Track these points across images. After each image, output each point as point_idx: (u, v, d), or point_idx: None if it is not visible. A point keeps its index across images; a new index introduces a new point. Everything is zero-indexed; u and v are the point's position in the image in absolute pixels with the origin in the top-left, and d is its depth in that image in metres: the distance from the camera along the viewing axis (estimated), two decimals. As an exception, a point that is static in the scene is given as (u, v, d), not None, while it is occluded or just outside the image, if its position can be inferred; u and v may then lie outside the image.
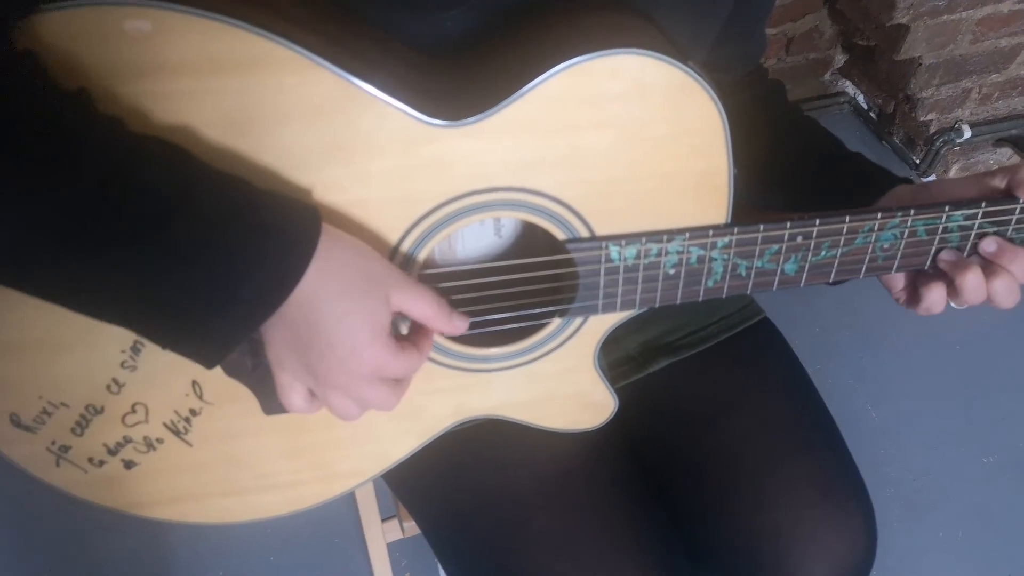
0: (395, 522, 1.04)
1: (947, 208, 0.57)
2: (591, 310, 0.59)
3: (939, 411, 1.53)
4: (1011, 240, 0.59)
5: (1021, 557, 1.35)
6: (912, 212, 0.57)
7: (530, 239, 0.62)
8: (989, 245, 0.58)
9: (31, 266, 0.41)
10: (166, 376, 0.55)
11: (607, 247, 0.55)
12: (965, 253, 0.60)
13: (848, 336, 1.61)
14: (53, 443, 0.56)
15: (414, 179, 0.50)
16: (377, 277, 0.49)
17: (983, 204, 0.57)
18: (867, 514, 0.69)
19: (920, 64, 1.64)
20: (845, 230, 0.57)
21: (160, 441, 0.58)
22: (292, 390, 0.51)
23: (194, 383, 0.56)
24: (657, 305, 0.59)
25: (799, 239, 0.57)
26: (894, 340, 1.60)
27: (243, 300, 0.44)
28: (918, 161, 1.87)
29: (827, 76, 1.96)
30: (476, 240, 0.64)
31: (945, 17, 1.54)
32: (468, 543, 0.67)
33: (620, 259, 0.56)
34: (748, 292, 0.60)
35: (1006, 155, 1.89)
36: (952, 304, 0.61)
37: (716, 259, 0.57)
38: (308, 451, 0.61)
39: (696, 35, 0.60)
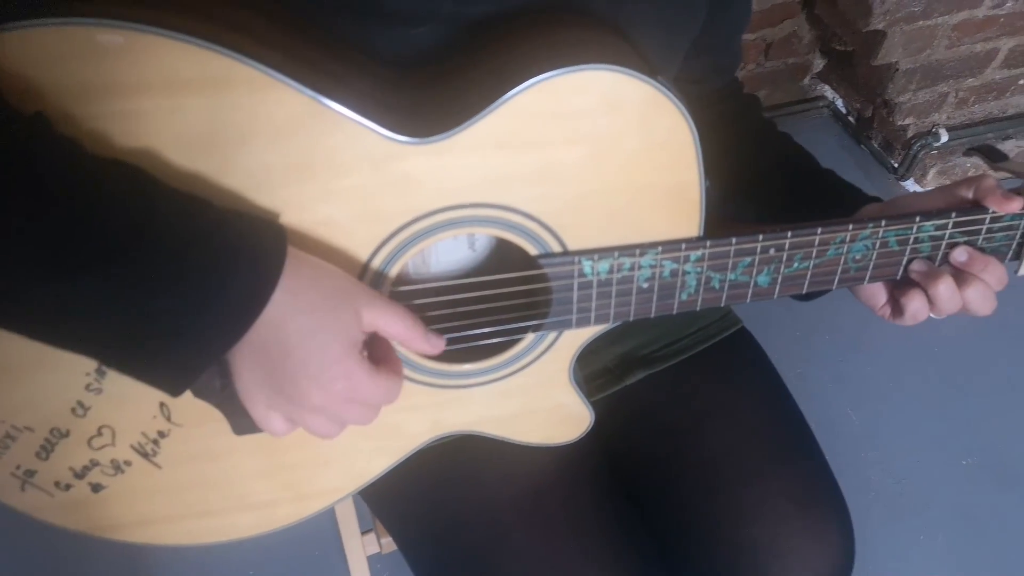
0: (374, 535, 1.03)
1: (918, 219, 0.58)
2: (565, 325, 0.58)
3: (919, 414, 1.54)
4: (982, 249, 0.60)
5: (1001, 559, 1.36)
6: (883, 223, 0.57)
7: (505, 252, 0.62)
8: (960, 255, 0.59)
9: None
10: (133, 398, 0.54)
11: (580, 262, 0.55)
12: (936, 263, 0.60)
13: (828, 340, 1.62)
14: (18, 468, 0.55)
15: (383, 197, 0.50)
16: (347, 294, 0.48)
17: (953, 214, 0.58)
18: (844, 524, 0.69)
19: (897, 69, 1.66)
20: (817, 242, 0.57)
21: (128, 464, 0.57)
22: (268, 419, 0.50)
23: (162, 405, 0.55)
24: (631, 319, 0.59)
25: (771, 251, 0.57)
26: (874, 344, 1.61)
27: (208, 326, 0.43)
28: (896, 165, 1.89)
29: (806, 81, 1.97)
30: (450, 254, 0.63)
31: (921, 23, 1.56)
32: (445, 561, 0.67)
33: (593, 273, 0.56)
34: (722, 304, 0.60)
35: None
36: (931, 315, 0.61)
37: (689, 272, 0.57)
38: (281, 471, 0.60)
39: (668, 48, 0.60)
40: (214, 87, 0.44)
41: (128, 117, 0.44)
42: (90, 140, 0.43)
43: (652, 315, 0.59)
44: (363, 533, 1.04)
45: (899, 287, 0.61)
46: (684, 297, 0.58)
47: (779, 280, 0.59)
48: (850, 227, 0.57)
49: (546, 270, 0.55)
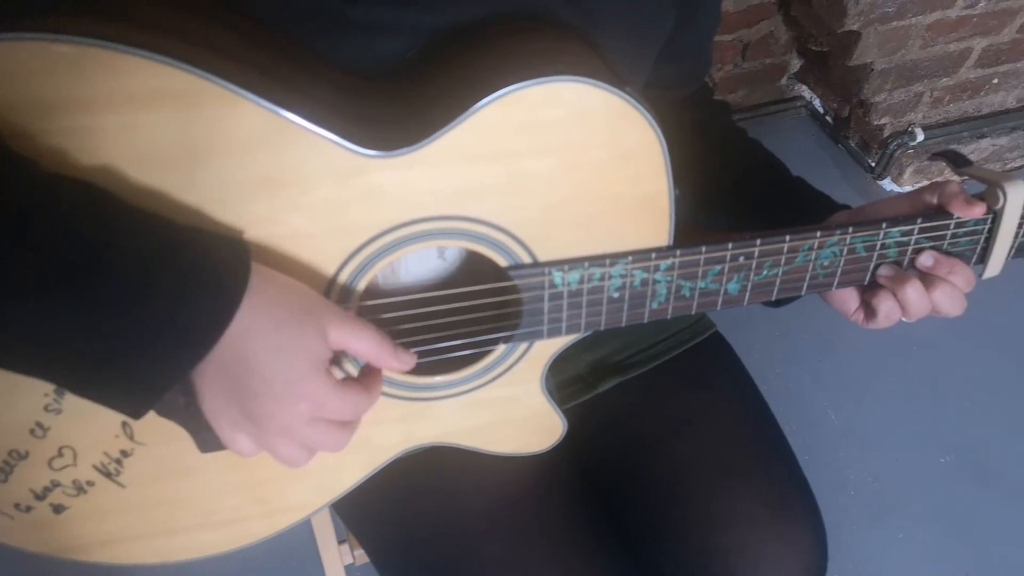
0: (348, 546, 1.02)
1: (884, 225, 0.58)
2: (536, 335, 0.58)
3: (897, 412, 1.55)
4: (948, 253, 0.60)
5: (978, 557, 1.37)
6: (851, 230, 0.57)
7: (476, 262, 0.61)
8: (926, 260, 0.59)
9: None
10: (93, 418, 0.53)
11: (550, 273, 0.55)
12: (904, 267, 0.60)
13: (807, 339, 1.62)
14: (-24, 490, 0.54)
15: (348, 210, 0.49)
16: (313, 312, 0.47)
17: (918, 220, 0.58)
18: (816, 528, 0.69)
19: (872, 69, 1.66)
20: (786, 249, 0.57)
21: (91, 484, 0.56)
22: (235, 441, 0.49)
23: (124, 424, 0.54)
24: (603, 328, 0.59)
25: (741, 259, 0.57)
26: (852, 343, 1.62)
27: (169, 347, 0.42)
28: (873, 164, 1.90)
29: (783, 81, 1.98)
30: (420, 265, 0.63)
31: (895, 23, 1.57)
32: (417, 573, 0.66)
33: (563, 284, 0.55)
34: (693, 312, 0.59)
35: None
36: (902, 319, 0.62)
37: (660, 281, 0.57)
38: (248, 487, 0.60)
39: (636, 57, 0.60)
40: (174, 102, 0.44)
41: (85, 133, 0.43)
42: (47, 157, 0.42)
43: (623, 324, 0.59)
44: (340, 543, 1.03)
45: (870, 292, 0.62)
46: (655, 306, 0.58)
47: (749, 287, 0.59)
48: (818, 234, 0.57)
49: (516, 281, 0.55)
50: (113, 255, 0.40)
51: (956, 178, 0.61)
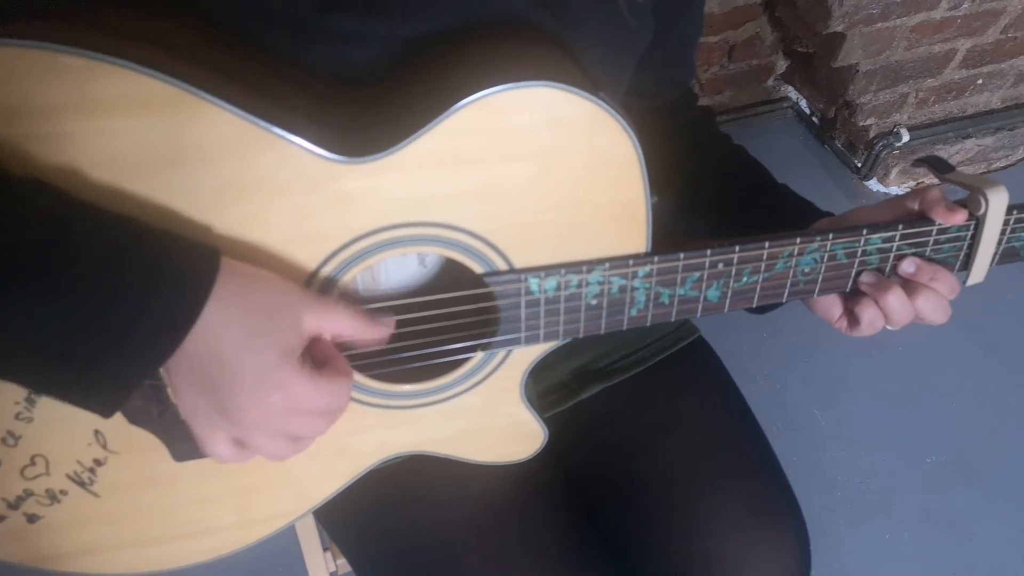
0: (331, 554, 1.01)
1: (865, 231, 0.57)
2: (514, 343, 0.58)
3: (884, 413, 1.55)
4: (931, 260, 0.60)
5: (965, 556, 1.38)
6: (831, 236, 0.57)
7: (456, 269, 0.61)
8: (908, 266, 0.59)
9: None
10: (65, 426, 0.52)
11: (526, 280, 0.54)
12: (886, 274, 0.60)
13: (795, 341, 1.63)
14: (-53, 501, 0.53)
15: (320, 217, 0.48)
16: (284, 300, 0.47)
17: (900, 227, 0.58)
18: (799, 532, 0.69)
19: (857, 70, 1.67)
20: (765, 256, 0.57)
21: (64, 493, 0.55)
22: (214, 441, 0.48)
23: (96, 432, 0.53)
24: (581, 335, 0.58)
25: (720, 266, 0.57)
26: (839, 344, 1.63)
27: (138, 341, 0.41)
28: (859, 165, 1.90)
29: (770, 82, 1.99)
30: (400, 271, 0.62)
31: (880, 25, 1.57)
32: (399, 583, 0.66)
33: (540, 291, 0.55)
34: (672, 320, 0.59)
35: (944, 156, 1.93)
36: (886, 326, 0.61)
37: (638, 288, 0.56)
38: (224, 496, 0.59)
39: (615, 64, 0.60)
40: (140, 108, 0.43)
41: (55, 139, 0.43)
42: (15, 163, 0.42)
43: (602, 331, 0.58)
44: (325, 550, 1.02)
45: (853, 300, 0.61)
46: (633, 313, 0.58)
47: (729, 294, 0.58)
48: (798, 240, 0.57)
49: (492, 288, 0.54)
50: (70, 252, 0.39)
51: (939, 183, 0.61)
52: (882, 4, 1.52)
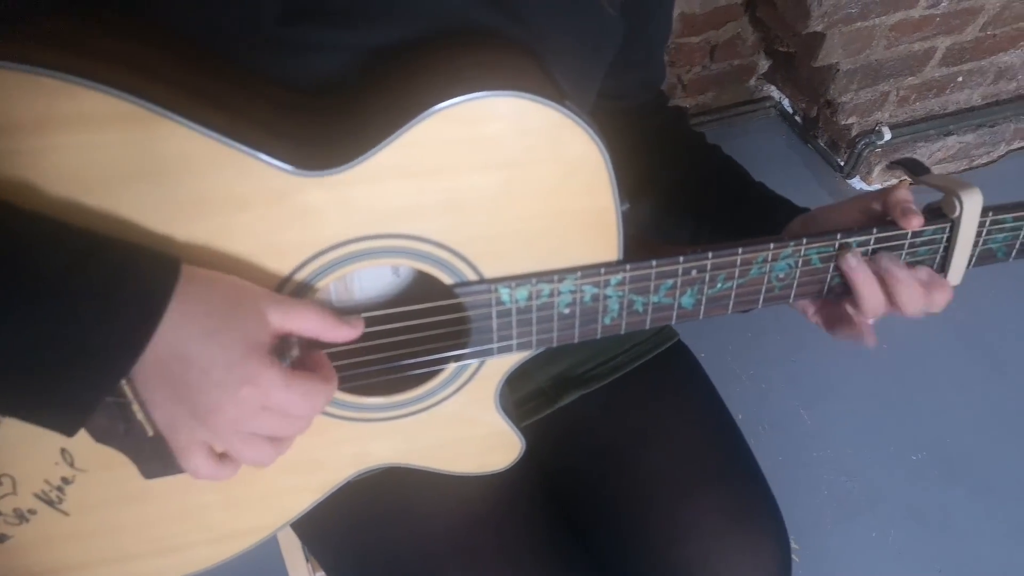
0: (311, 566, 1.00)
1: (839, 236, 0.57)
2: (487, 353, 0.57)
3: (869, 411, 1.56)
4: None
5: (950, 553, 1.38)
6: (805, 241, 0.57)
7: (431, 279, 0.60)
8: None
9: None
10: (31, 446, 0.52)
11: (497, 290, 0.54)
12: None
13: (780, 340, 1.63)
14: (-89, 523, 0.52)
15: (284, 231, 0.48)
16: (248, 297, 0.46)
17: (874, 231, 0.57)
18: (779, 538, 0.68)
19: (838, 70, 1.67)
20: (739, 262, 0.57)
21: (32, 512, 0.54)
22: (190, 452, 0.47)
23: (63, 451, 0.53)
24: (555, 345, 0.58)
25: (693, 272, 0.56)
26: (824, 343, 1.61)
27: (97, 354, 0.40)
28: (842, 163, 1.91)
29: (752, 81, 1.99)
30: (373, 282, 0.62)
31: (859, 24, 1.57)
32: (377, 598, 0.65)
33: (511, 301, 0.54)
34: (647, 327, 0.59)
35: (926, 153, 1.94)
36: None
37: (611, 297, 0.56)
38: (196, 513, 0.58)
39: (584, 70, 0.59)
40: (99, 126, 0.42)
41: (9, 156, 0.42)
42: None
43: (576, 340, 0.58)
44: (308, 560, 1.01)
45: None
46: (607, 321, 0.57)
47: (703, 301, 0.58)
48: (771, 246, 0.56)
49: (463, 299, 0.54)
50: (32, 266, 0.39)
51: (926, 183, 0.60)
52: (861, 3, 1.52)
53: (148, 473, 0.55)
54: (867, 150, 1.83)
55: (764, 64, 1.94)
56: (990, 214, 0.59)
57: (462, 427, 0.62)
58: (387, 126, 0.46)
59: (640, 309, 0.57)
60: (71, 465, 0.53)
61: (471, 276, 0.53)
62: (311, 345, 0.50)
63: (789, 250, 0.57)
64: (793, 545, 1.37)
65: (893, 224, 0.58)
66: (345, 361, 0.56)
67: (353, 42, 0.49)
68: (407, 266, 0.53)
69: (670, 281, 0.56)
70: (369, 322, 0.55)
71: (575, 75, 0.57)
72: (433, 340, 0.57)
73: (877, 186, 1.94)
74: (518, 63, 0.51)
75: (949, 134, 1.90)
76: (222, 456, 0.49)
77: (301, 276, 0.50)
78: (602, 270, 0.54)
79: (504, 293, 0.54)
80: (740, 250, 0.56)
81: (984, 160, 2.03)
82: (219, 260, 0.47)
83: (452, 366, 0.58)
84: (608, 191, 0.52)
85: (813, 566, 1.35)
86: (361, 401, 0.57)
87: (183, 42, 0.48)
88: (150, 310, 0.41)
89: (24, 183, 0.43)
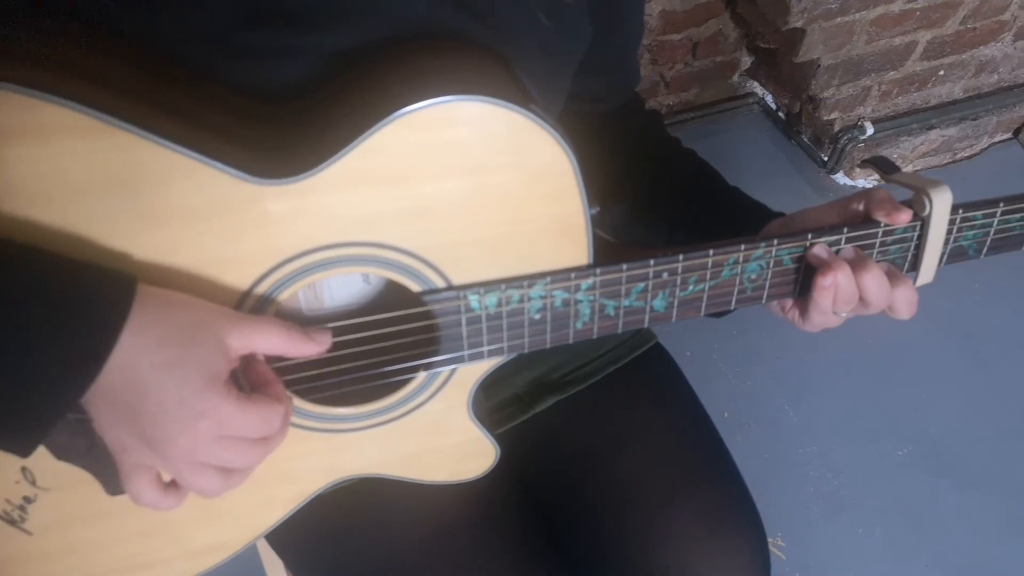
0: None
1: (810, 236, 0.57)
2: (458, 361, 0.56)
3: (855, 407, 1.56)
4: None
5: (937, 548, 1.38)
6: (775, 242, 0.56)
7: (402, 287, 0.59)
8: (848, 252, 0.56)
9: None
10: (-10, 466, 0.51)
11: (465, 296, 0.53)
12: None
13: (764, 337, 1.63)
14: None
15: (244, 240, 0.47)
16: (205, 323, 0.45)
17: (845, 230, 0.57)
18: (757, 543, 0.68)
19: (819, 65, 1.67)
20: (710, 264, 0.56)
21: (-6, 533, 0.53)
22: (136, 476, 0.46)
23: (24, 469, 0.52)
24: (527, 351, 0.57)
25: (664, 275, 0.56)
26: (809, 340, 1.63)
27: (50, 378, 0.39)
28: (826, 159, 1.91)
29: (735, 78, 1.98)
30: (344, 289, 0.61)
31: (839, 19, 1.57)
32: (352, 610, 0.64)
33: (481, 308, 0.54)
34: (619, 331, 0.58)
35: (909, 148, 1.94)
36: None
37: (582, 301, 0.55)
38: (165, 528, 0.57)
39: (553, 72, 0.58)
40: (49, 137, 0.41)
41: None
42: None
43: (548, 346, 0.57)
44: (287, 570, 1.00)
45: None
46: (579, 326, 0.56)
47: (676, 304, 0.57)
48: (743, 247, 0.56)
49: (432, 307, 0.53)
50: None
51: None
52: (840, -2, 1.52)
53: (112, 490, 0.54)
54: (850, 145, 1.83)
55: (746, 60, 1.94)
56: (960, 211, 0.58)
57: (435, 436, 0.61)
58: (349, 132, 0.46)
59: (612, 313, 0.57)
60: (33, 483, 0.52)
61: (439, 283, 0.52)
62: (257, 361, 0.49)
63: (760, 251, 0.56)
64: (779, 542, 1.37)
65: (866, 224, 0.57)
66: (314, 371, 0.55)
67: (314, 46, 0.48)
68: (376, 274, 0.52)
69: (641, 284, 0.56)
70: (337, 332, 0.55)
71: (544, 76, 0.56)
72: (403, 348, 0.56)
73: (861, 181, 1.94)
74: (484, 66, 0.50)
75: (931, 128, 1.91)
76: (170, 485, 0.48)
77: (262, 289, 0.49)
78: (572, 275, 0.54)
79: (473, 300, 0.53)
80: (711, 252, 0.56)
81: (967, 153, 2.04)
82: (176, 274, 0.46)
83: (423, 374, 0.57)
84: (576, 195, 0.51)
85: (799, 562, 1.35)
86: (331, 412, 0.57)
87: (144, 51, 0.47)
88: (103, 340, 0.40)
89: (-27, 197, 0.42)
